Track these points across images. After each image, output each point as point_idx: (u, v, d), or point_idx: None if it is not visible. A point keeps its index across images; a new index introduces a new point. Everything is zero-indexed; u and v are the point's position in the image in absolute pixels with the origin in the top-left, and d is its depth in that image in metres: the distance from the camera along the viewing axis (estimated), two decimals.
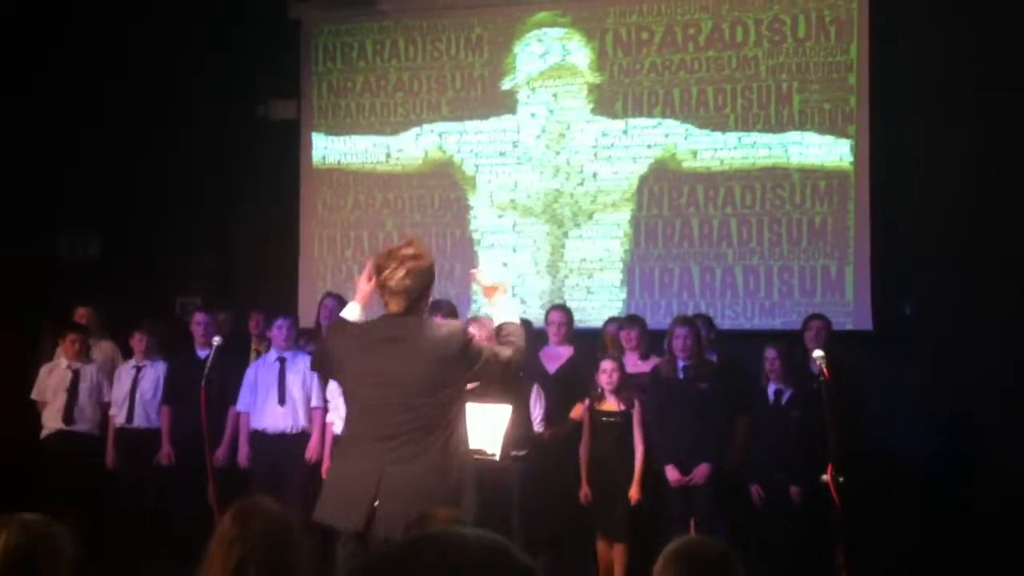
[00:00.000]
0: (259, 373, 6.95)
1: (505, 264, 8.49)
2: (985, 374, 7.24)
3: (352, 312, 4.01)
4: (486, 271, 4.31)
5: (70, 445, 7.21)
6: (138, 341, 7.34)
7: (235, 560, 2.60)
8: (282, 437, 6.76)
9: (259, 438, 6.84)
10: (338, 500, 3.79)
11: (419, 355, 3.73)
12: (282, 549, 2.67)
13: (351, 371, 3.84)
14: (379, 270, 3.79)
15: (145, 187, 8.92)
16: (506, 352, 3.85)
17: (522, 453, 6.05)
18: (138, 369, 7.32)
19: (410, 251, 3.77)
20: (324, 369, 4.45)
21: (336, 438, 4.14)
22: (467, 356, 3.76)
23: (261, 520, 2.67)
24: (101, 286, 8.57)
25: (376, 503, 3.65)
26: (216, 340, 6.52)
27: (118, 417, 7.27)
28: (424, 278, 3.78)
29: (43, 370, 7.42)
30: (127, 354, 7.60)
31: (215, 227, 9.15)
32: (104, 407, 7.36)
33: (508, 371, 3.92)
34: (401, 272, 3.72)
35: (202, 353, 7.11)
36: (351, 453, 3.83)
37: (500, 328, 3.98)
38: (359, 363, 3.80)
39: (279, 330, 6.93)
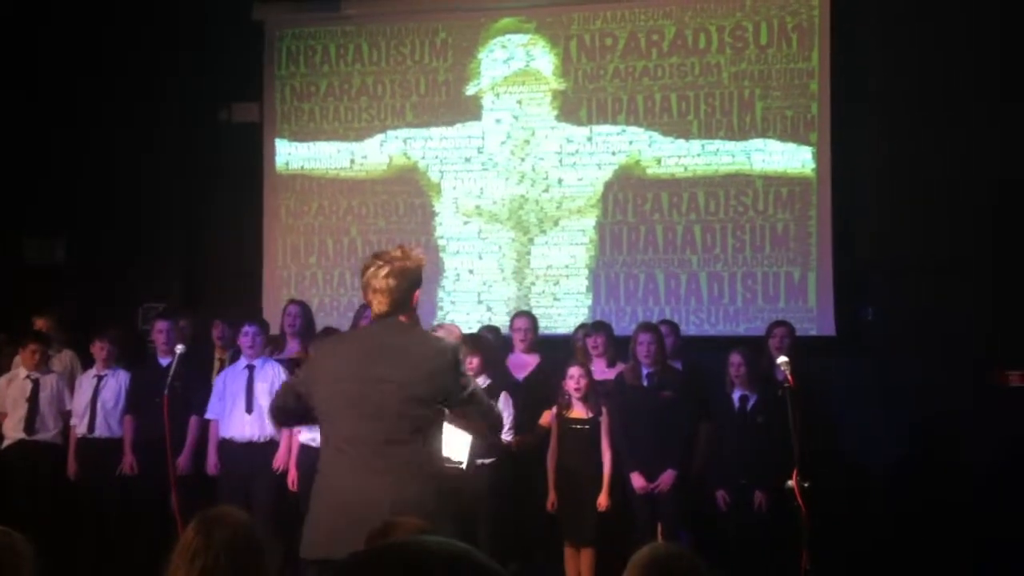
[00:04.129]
0: (227, 381, 6.88)
1: (471, 271, 8.48)
2: (947, 377, 7.33)
3: None
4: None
5: (32, 455, 7.13)
6: (99, 349, 7.26)
7: (198, 570, 2.57)
8: (249, 446, 6.70)
9: (227, 446, 6.78)
10: (338, 524, 3.56)
11: (412, 362, 3.67)
12: (247, 559, 2.65)
13: (338, 380, 3.69)
14: (364, 271, 3.75)
15: (105, 191, 8.83)
16: (494, 410, 4.01)
17: (489, 461, 6.04)
18: (99, 378, 7.23)
19: (397, 253, 3.75)
20: (291, 412, 3.96)
21: (315, 462, 3.87)
22: (458, 377, 3.75)
23: (225, 530, 2.64)
24: (67, 289, 8.50)
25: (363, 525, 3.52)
26: (179, 348, 6.46)
27: (79, 427, 7.18)
28: (407, 278, 3.72)
29: (2, 381, 7.33)
30: (87, 360, 7.50)
31: (177, 233, 9.07)
32: (65, 416, 7.27)
33: (488, 421, 4.00)
34: (385, 270, 3.68)
35: (164, 361, 7.04)
36: (335, 470, 3.68)
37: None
38: (346, 371, 3.68)
39: (246, 337, 6.85)
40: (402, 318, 3.75)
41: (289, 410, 3.89)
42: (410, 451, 3.61)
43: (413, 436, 3.63)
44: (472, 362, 6.00)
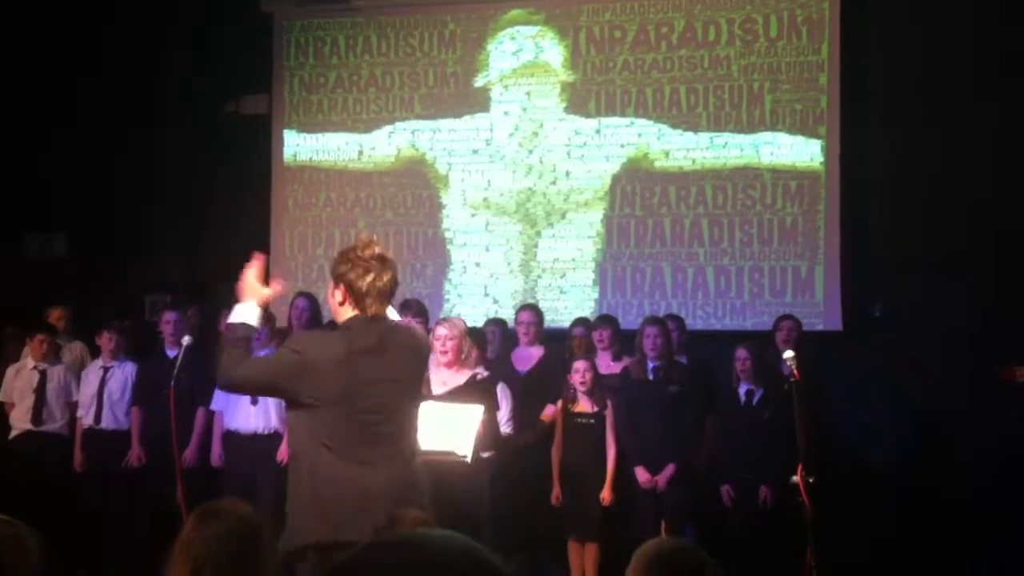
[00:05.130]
0: None
1: (478, 263, 8.48)
2: (954, 373, 7.31)
3: (250, 316, 3.87)
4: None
5: (38, 446, 7.17)
6: (107, 341, 7.26)
7: (191, 562, 2.57)
8: (254, 438, 6.70)
9: (232, 438, 6.78)
10: (339, 516, 3.59)
11: (405, 362, 3.79)
12: (241, 551, 2.63)
13: (341, 390, 3.66)
14: (360, 275, 3.69)
15: (112, 183, 8.84)
16: None
17: (488, 455, 6.03)
18: (105, 370, 7.25)
19: (380, 251, 3.74)
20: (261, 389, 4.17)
21: (304, 457, 3.82)
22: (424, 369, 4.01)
23: (219, 523, 2.63)
24: (68, 284, 8.49)
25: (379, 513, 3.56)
26: (186, 340, 6.46)
27: (86, 418, 7.20)
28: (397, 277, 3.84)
29: (10, 371, 7.35)
30: (96, 353, 7.52)
31: (184, 224, 9.07)
32: (72, 407, 7.29)
33: None
34: (388, 275, 3.71)
35: (171, 352, 7.05)
36: (348, 473, 3.65)
37: None
38: (343, 374, 3.66)
39: None
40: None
41: (263, 388, 4.03)
42: (404, 444, 3.74)
43: (405, 428, 3.76)
44: (472, 353, 6.02)
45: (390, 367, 3.71)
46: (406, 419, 3.78)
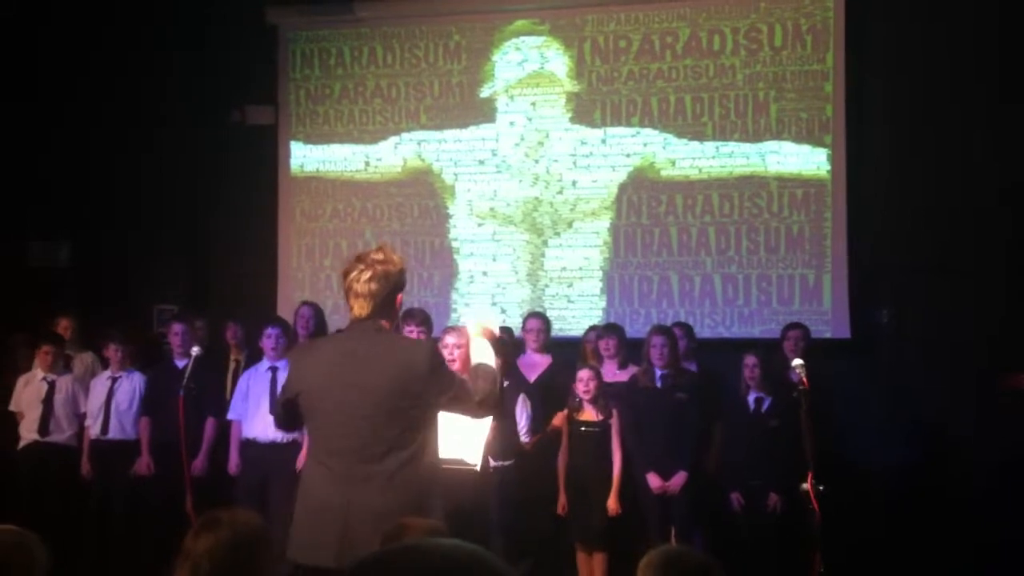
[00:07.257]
0: (251, 382, 6.89)
1: (485, 273, 8.49)
2: (960, 381, 7.29)
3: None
4: (474, 320, 3.96)
5: (46, 456, 7.16)
6: (113, 352, 7.28)
7: (190, 572, 2.58)
8: (273, 446, 6.69)
9: (250, 447, 6.79)
10: (310, 533, 3.53)
11: (380, 370, 3.55)
12: (240, 562, 2.62)
13: (314, 387, 3.64)
14: (346, 274, 3.69)
15: (119, 193, 8.87)
16: (477, 395, 3.63)
17: (508, 463, 6.04)
18: (113, 380, 7.26)
19: (379, 256, 3.68)
20: (291, 417, 3.89)
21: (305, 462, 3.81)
22: (436, 381, 3.55)
23: (218, 532, 2.62)
24: (75, 294, 8.52)
25: (344, 534, 3.45)
26: (195, 350, 6.48)
27: (93, 428, 7.21)
28: (390, 282, 3.65)
29: (20, 381, 7.36)
30: (106, 364, 7.53)
31: (191, 235, 9.10)
32: (80, 418, 7.30)
33: (477, 411, 3.69)
34: (367, 275, 3.61)
35: (180, 363, 7.06)
36: (316, 478, 3.61)
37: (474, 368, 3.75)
38: (320, 379, 3.63)
39: (269, 339, 6.86)
40: (384, 323, 3.68)
41: (287, 415, 3.84)
42: (387, 460, 3.49)
43: (388, 445, 3.51)
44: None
45: (354, 374, 3.55)
46: (380, 436, 3.49)
